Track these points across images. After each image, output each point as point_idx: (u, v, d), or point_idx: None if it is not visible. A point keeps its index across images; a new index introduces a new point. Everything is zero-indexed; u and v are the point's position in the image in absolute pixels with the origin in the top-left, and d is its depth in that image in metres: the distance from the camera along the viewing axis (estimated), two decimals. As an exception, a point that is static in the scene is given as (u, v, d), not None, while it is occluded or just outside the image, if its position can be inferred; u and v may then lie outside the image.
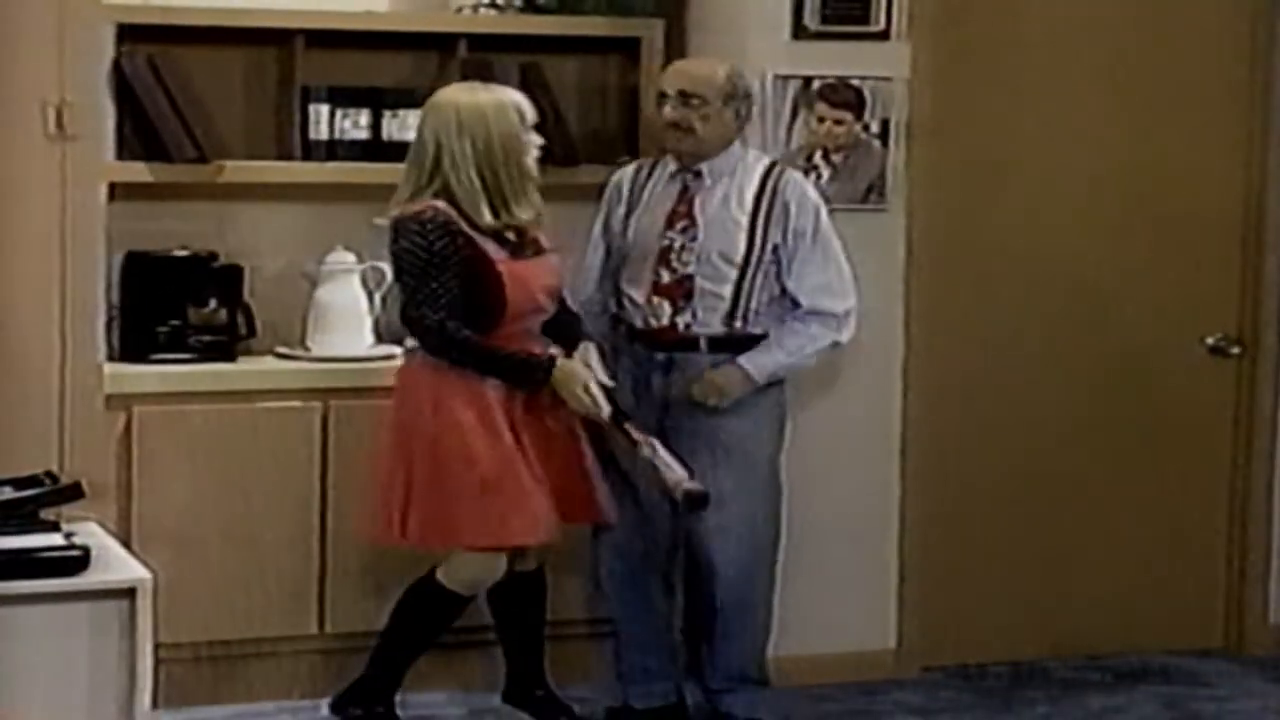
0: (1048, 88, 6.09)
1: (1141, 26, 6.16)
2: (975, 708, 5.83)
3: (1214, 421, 6.35)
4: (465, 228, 5.02)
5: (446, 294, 5.00)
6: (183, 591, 5.17)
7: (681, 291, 5.35)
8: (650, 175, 5.48)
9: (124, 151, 5.62)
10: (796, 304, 5.38)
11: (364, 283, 5.75)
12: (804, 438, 5.69)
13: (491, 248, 5.06)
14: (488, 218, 5.03)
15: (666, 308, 5.36)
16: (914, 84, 5.87)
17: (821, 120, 5.79)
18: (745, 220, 5.34)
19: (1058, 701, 5.90)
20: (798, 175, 5.49)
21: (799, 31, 5.78)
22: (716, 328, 5.36)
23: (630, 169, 5.57)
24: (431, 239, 4.99)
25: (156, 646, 4.07)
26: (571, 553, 5.65)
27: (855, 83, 5.83)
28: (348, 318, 5.74)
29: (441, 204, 5.03)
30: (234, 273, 5.73)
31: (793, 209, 5.35)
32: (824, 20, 5.79)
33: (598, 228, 5.55)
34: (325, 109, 5.78)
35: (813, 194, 5.44)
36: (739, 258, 5.33)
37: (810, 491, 5.68)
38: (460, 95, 5.14)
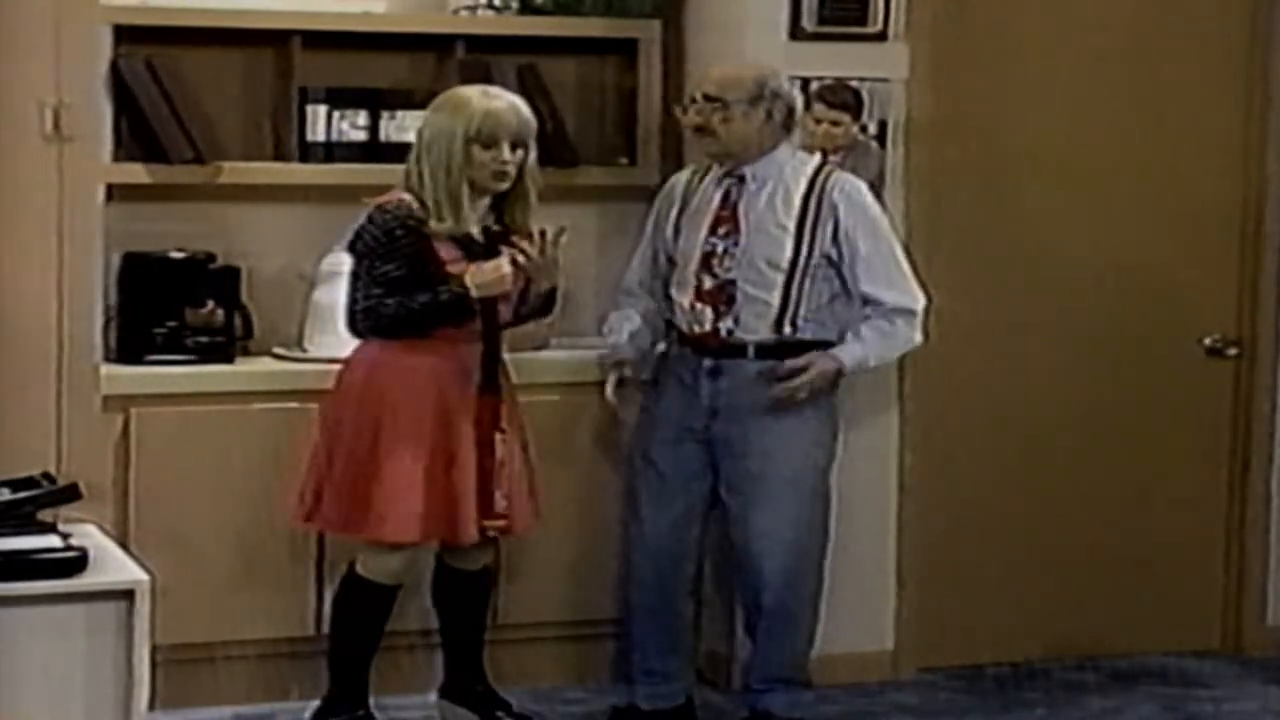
0: (1045, 89, 6.08)
1: (1140, 29, 6.15)
2: (973, 709, 5.83)
3: (1212, 423, 6.35)
4: (425, 225, 5.05)
5: (384, 283, 5.02)
6: (180, 593, 5.14)
7: (723, 297, 5.32)
8: (702, 180, 5.45)
9: (121, 153, 5.62)
10: (866, 302, 5.34)
11: (361, 284, 5.74)
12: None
13: (444, 248, 5.06)
14: (431, 222, 5.05)
15: (708, 313, 5.33)
16: (912, 85, 5.87)
17: (819, 121, 5.78)
18: (792, 224, 5.30)
19: (1056, 703, 5.89)
20: (847, 175, 5.45)
21: (796, 32, 5.78)
22: (764, 334, 5.32)
23: (686, 173, 5.54)
24: (389, 228, 5.03)
25: (154, 648, 4.06)
26: (577, 553, 5.66)
27: (853, 84, 5.82)
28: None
29: (408, 197, 5.06)
30: (231, 274, 5.72)
31: (841, 209, 5.31)
32: (821, 21, 5.78)
33: (649, 228, 5.54)
34: (323, 110, 5.78)
35: (863, 192, 5.39)
36: (785, 263, 5.29)
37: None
38: (442, 100, 5.16)
